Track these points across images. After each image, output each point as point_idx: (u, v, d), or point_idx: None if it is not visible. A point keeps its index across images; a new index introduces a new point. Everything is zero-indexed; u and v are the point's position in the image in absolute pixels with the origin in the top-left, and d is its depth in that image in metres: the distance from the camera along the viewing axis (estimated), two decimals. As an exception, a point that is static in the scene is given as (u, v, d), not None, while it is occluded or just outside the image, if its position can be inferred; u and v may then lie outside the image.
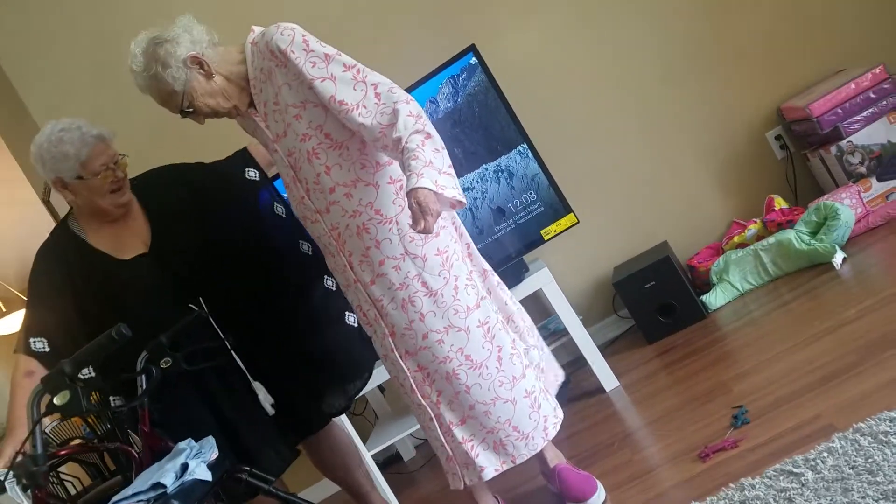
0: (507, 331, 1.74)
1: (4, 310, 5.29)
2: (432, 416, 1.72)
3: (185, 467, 1.36)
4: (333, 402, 2.08)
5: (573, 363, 2.74)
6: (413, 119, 1.52)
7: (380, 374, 2.45)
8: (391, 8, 2.82)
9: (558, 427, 1.75)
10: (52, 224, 3.82)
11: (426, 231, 1.43)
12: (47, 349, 1.83)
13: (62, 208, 3.40)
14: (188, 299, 1.86)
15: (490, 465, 1.73)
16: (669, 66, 2.80)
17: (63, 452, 1.43)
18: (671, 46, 2.79)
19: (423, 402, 1.72)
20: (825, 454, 1.41)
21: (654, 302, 2.51)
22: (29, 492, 1.18)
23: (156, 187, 2.00)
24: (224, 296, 1.92)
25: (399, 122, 1.50)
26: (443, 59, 2.47)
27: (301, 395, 2.01)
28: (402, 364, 1.70)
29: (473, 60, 2.49)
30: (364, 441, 2.53)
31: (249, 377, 1.91)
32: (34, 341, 1.84)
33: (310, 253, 2.06)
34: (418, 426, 2.41)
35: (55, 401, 1.21)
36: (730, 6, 2.76)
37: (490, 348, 1.68)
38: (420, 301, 1.65)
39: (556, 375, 1.90)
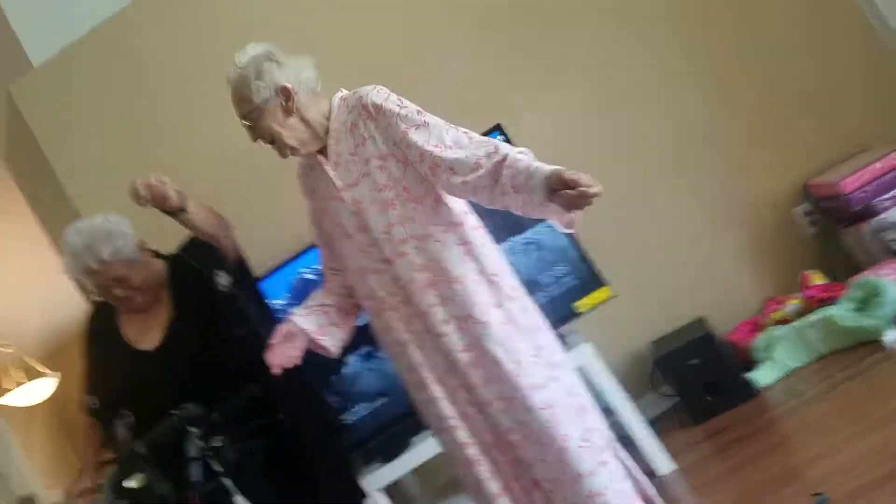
0: (584, 418, 1.63)
1: (27, 379, 5.08)
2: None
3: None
4: None
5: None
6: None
7: (414, 456, 2.33)
8: (419, 91, 2.80)
9: None
10: (78, 294, 3.64)
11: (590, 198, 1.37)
12: (97, 405, 1.93)
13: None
14: (185, 400, 1.71)
15: None
16: (691, 144, 2.81)
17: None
18: (691, 124, 2.81)
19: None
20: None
21: (698, 380, 2.42)
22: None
23: (186, 270, 1.95)
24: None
25: (505, 148, 1.53)
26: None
27: None
28: (481, 417, 1.61)
29: (500, 137, 2.49)
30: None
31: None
32: (89, 398, 1.96)
33: None
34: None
35: (132, 483, 1.09)
36: (749, 82, 2.80)
37: (554, 436, 1.57)
38: (483, 367, 1.58)
39: None
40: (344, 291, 1.79)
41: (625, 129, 2.83)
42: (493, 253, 1.69)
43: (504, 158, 1.49)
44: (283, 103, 1.65)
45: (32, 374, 5.30)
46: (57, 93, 2.92)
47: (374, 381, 2.47)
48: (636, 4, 2.83)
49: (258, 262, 2.61)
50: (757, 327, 2.65)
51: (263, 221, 2.80)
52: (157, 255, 2.03)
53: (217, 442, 1.48)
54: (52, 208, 3.24)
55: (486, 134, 2.38)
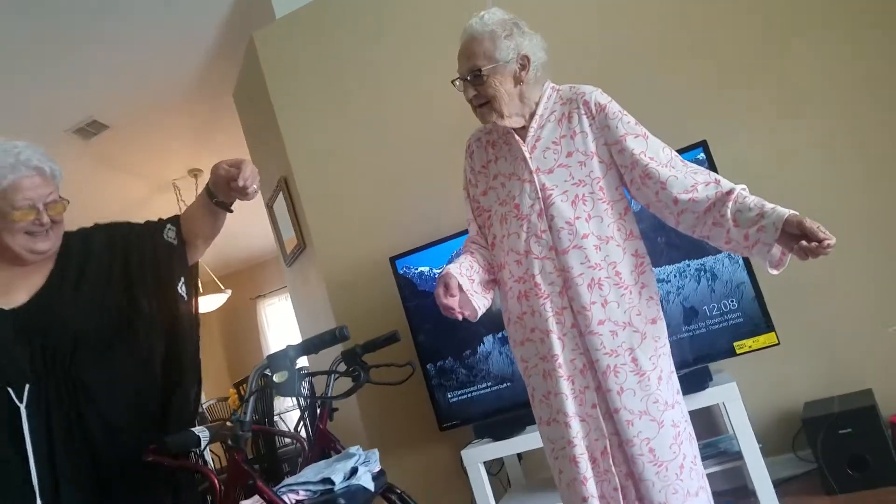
0: (694, 444, 1.66)
1: (202, 291, 6.02)
2: (618, 485, 1.63)
3: (353, 471, 1.41)
4: None
5: (734, 493, 2.52)
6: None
7: (521, 442, 2.43)
8: (629, 92, 2.83)
9: None
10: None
11: (825, 251, 1.42)
12: None
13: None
14: (34, 364, 1.61)
15: None
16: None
17: (256, 428, 1.54)
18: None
19: (612, 468, 1.63)
20: None
21: (845, 451, 2.25)
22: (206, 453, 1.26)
23: (87, 244, 1.77)
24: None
25: (727, 182, 1.59)
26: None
27: None
28: (602, 422, 1.63)
29: (702, 156, 2.46)
30: (496, 501, 2.50)
31: None
32: None
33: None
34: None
35: (275, 378, 1.31)
36: None
37: (676, 452, 1.60)
38: (624, 374, 1.61)
39: None
40: (486, 265, 1.79)
41: (837, 176, 2.63)
42: (653, 275, 1.72)
43: (731, 191, 1.56)
44: (517, 71, 1.66)
45: (209, 288, 6.22)
46: (291, 44, 3.30)
47: (504, 365, 2.58)
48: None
49: (437, 226, 2.87)
50: (934, 416, 2.38)
51: (448, 191, 3.01)
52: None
53: (352, 370, 1.67)
54: (264, 149, 3.69)
55: (688, 149, 2.44)
